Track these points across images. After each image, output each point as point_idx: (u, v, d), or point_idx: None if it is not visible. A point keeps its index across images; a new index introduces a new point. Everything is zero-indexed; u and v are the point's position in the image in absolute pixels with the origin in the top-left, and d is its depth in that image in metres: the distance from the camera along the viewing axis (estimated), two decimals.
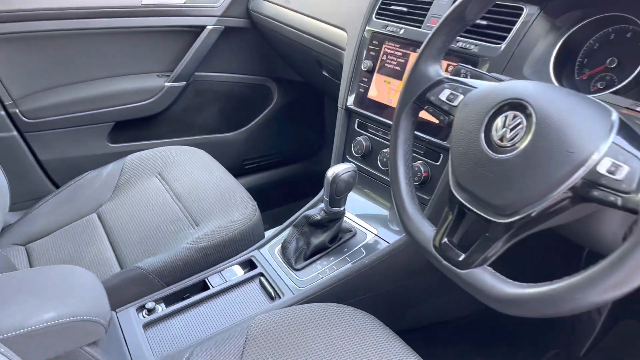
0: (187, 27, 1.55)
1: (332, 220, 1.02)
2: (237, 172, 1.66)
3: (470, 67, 0.77)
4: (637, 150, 0.52)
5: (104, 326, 0.79)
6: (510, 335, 1.24)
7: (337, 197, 0.98)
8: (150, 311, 0.97)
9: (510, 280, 0.59)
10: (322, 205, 1.03)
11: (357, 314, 0.86)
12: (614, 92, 0.75)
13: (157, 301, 0.99)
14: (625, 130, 0.55)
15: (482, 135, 0.62)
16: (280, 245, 1.08)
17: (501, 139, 0.60)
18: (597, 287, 0.49)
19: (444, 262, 0.65)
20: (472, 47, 0.90)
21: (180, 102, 1.62)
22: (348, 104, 1.15)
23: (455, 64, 0.83)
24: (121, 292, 1.01)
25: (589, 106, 0.57)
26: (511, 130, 0.59)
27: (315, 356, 0.78)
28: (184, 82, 1.59)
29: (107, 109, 1.53)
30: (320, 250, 1.03)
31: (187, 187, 1.29)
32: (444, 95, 0.70)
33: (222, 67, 1.64)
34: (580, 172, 0.53)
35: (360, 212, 1.10)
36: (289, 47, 1.49)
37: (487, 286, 0.60)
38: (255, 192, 1.51)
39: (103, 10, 1.44)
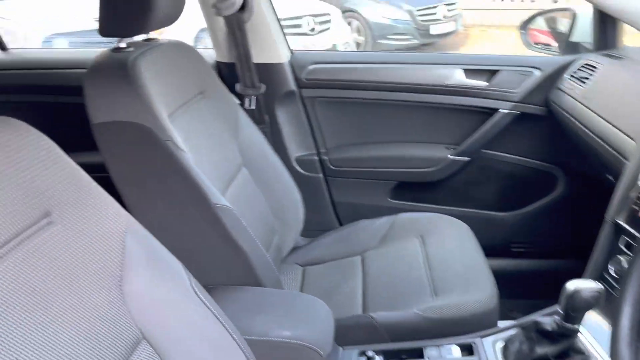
0: (483, 108, 1.64)
1: (564, 335, 0.96)
2: (499, 252, 1.66)
3: None
4: None
5: (322, 356, 0.94)
6: None
7: (573, 314, 0.92)
8: (369, 359, 1.09)
9: None
10: (556, 315, 0.98)
11: None
12: None
13: (377, 352, 1.11)
14: None
15: None
16: (503, 341, 1.06)
17: None
18: None
19: None
20: None
21: (460, 175, 1.71)
22: (618, 219, 1.05)
23: None
24: (351, 333, 1.16)
25: None
26: None
27: None
28: (468, 158, 1.68)
29: (394, 169, 1.75)
30: None
31: (439, 256, 1.38)
32: None
33: (508, 148, 1.67)
34: None
35: (602, 337, 1.00)
36: (583, 141, 1.43)
37: None
38: (509, 276, 1.50)
39: (411, 86, 1.66)
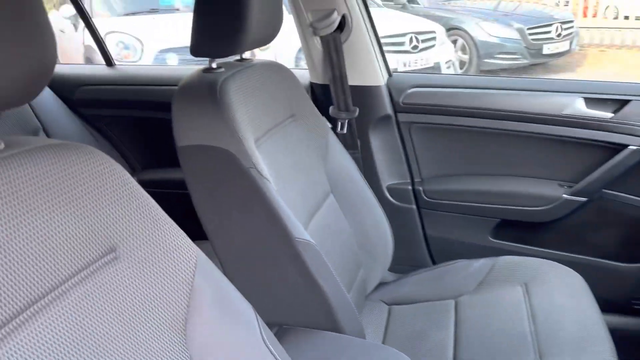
0: (607, 142, 1.45)
1: None
2: (618, 309, 1.44)
3: None
4: None
5: None
6: None
7: None
8: None
9: None
10: None
11: None
12: None
13: None
14: None
15: None
16: None
17: None
18: None
19: None
20: None
21: (575, 217, 1.52)
22: None
23: None
24: None
25: None
26: None
27: None
28: (586, 198, 1.49)
29: (497, 205, 1.58)
30: None
31: (546, 308, 1.21)
32: None
33: (636, 189, 1.46)
34: None
35: None
36: None
37: None
38: (629, 337, 1.29)
39: (522, 115, 1.50)
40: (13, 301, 0.51)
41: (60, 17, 4.97)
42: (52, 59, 0.57)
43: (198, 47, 1.10)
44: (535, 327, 1.17)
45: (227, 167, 1.02)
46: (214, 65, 1.13)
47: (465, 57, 5.95)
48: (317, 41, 1.58)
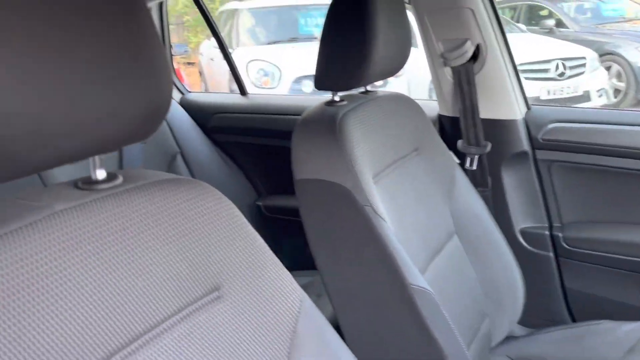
0: None
1: None
2: None
3: None
4: None
5: None
6: None
7: None
8: None
9: None
10: None
11: None
12: None
13: None
14: None
15: None
16: None
17: None
18: None
19: None
20: None
21: None
22: None
23: None
24: None
25: None
26: None
27: None
28: None
29: None
30: None
31: None
32: None
33: None
34: None
35: None
36: None
37: None
38: None
39: None
40: (117, 336, 0.51)
41: (211, 47, 5.43)
42: (168, 96, 0.58)
43: (321, 80, 1.09)
44: None
45: (342, 203, 0.99)
46: (336, 98, 1.11)
47: (621, 85, 5.43)
48: (447, 72, 1.50)
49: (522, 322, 1.34)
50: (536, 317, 1.41)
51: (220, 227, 0.64)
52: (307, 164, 1.02)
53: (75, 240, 0.51)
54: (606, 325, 1.28)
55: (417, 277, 0.97)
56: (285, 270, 0.70)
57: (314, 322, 0.70)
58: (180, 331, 0.56)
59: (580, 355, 1.22)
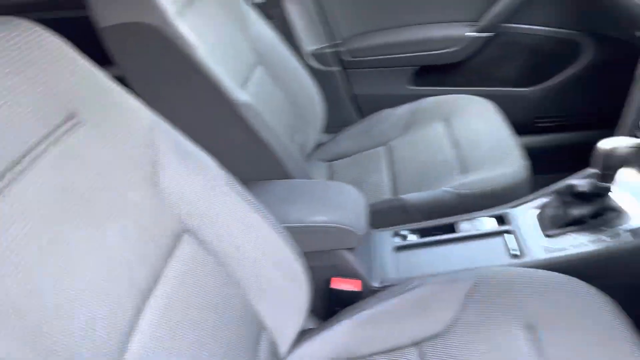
0: None
1: (598, 195, 0.97)
2: (526, 129, 1.63)
3: None
4: None
5: (358, 237, 0.96)
6: None
7: (607, 172, 0.92)
8: (404, 238, 1.11)
9: None
10: (589, 176, 0.98)
11: (600, 296, 0.83)
12: None
13: (412, 231, 1.13)
14: None
15: None
16: (538, 209, 1.07)
17: None
18: None
19: None
20: None
21: (483, 53, 1.65)
22: None
23: None
24: (384, 216, 1.18)
25: None
26: None
27: (535, 321, 0.79)
28: (490, 34, 1.61)
29: (413, 54, 1.68)
30: (577, 223, 0.99)
31: (465, 135, 1.36)
32: None
33: (530, 19, 1.59)
34: None
35: (635, 193, 1.00)
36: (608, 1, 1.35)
37: None
38: (539, 152, 1.47)
39: None
40: None
41: None
42: None
43: None
44: (457, 152, 1.33)
45: (155, 42, 1.02)
46: None
47: None
48: None
49: (326, 130, 1.57)
50: (336, 124, 1.66)
51: (58, 58, 0.66)
52: (107, 9, 1.01)
53: None
54: (386, 112, 1.58)
55: (239, 93, 1.10)
56: (127, 91, 0.75)
57: (169, 132, 0.78)
58: (46, 161, 0.59)
59: (372, 140, 1.51)
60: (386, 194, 1.30)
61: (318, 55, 1.74)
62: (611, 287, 0.85)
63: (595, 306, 0.81)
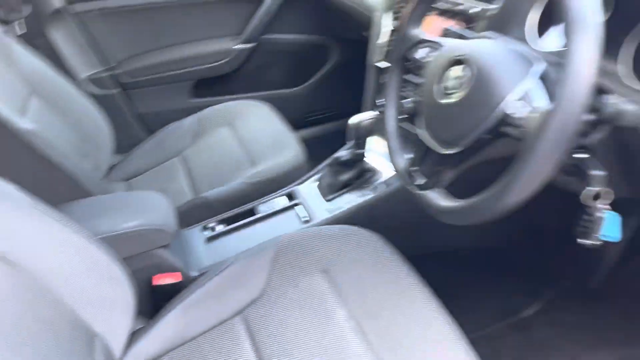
0: None
1: (356, 160, 1.22)
2: (300, 123, 1.88)
3: (455, 28, 0.91)
4: (544, 95, 0.66)
5: (170, 234, 1.06)
6: (521, 267, 1.37)
7: (359, 141, 1.17)
8: (213, 229, 1.24)
9: (451, 198, 0.76)
10: (349, 148, 1.22)
11: (370, 235, 1.05)
12: None
13: (219, 222, 1.26)
14: (543, 79, 0.68)
15: (437, 86, 0.77)
16: (317, 181, 1.29)
17: (449, 88, 0.76)
18: (500, 199, 0.65)
19: (410, 185, 0.83)
20: (472, 7, 1.02)
21: (251, 62, 1.85)
22: (377, 63, 1.32)
23: (455, 23, 0.97)
24: (190, 215, 1.28)
25: (514, 59, 0.71)
26: (456, 80, 0.74)
27: (329, 265, 0.98)
28: (253, 44, 1.82)
29: (188, 69, 1.81)
30: (347, 185, 1.24)
31: (250, 135, 1.54)
32: (419, 54, 0.86)
33: (284, 29, 1.84)
34: (495, 113, 0.68)
35: (381, 154, 1.28)
36: (341, 9, 1.65)
37: (433, 202, 0.77)
38: (316, 142, 1.72)
39: None
40: None
41: None
42: None
43: None
44: (245, 149, 1.50)
45: None
46: None
47: None
48: None
49: (118, 151, 1.60)
50: (126, 144, 1.70)
51: None
52: None
53: None
54: (173, 126, 1.66)
55: (22, 121, 1.09)
56: None
57: None
58: None
59: (165, 153, 1.58)
60: (189, 196, 1.40)
61: (95, 80, 1.75)
62: (378, 228, 1.09)
63: (370, 243, 1.04)
